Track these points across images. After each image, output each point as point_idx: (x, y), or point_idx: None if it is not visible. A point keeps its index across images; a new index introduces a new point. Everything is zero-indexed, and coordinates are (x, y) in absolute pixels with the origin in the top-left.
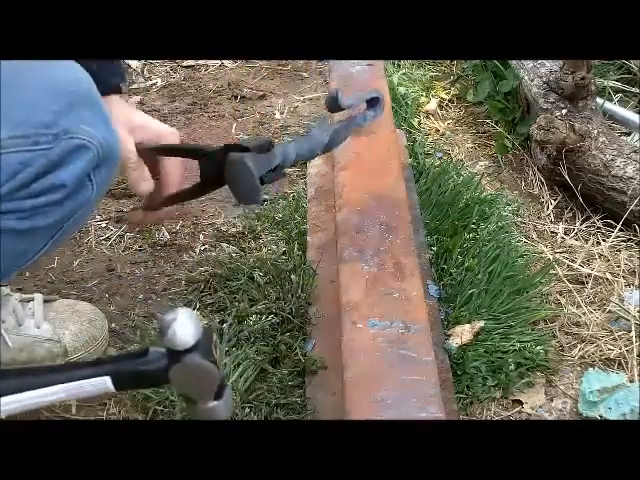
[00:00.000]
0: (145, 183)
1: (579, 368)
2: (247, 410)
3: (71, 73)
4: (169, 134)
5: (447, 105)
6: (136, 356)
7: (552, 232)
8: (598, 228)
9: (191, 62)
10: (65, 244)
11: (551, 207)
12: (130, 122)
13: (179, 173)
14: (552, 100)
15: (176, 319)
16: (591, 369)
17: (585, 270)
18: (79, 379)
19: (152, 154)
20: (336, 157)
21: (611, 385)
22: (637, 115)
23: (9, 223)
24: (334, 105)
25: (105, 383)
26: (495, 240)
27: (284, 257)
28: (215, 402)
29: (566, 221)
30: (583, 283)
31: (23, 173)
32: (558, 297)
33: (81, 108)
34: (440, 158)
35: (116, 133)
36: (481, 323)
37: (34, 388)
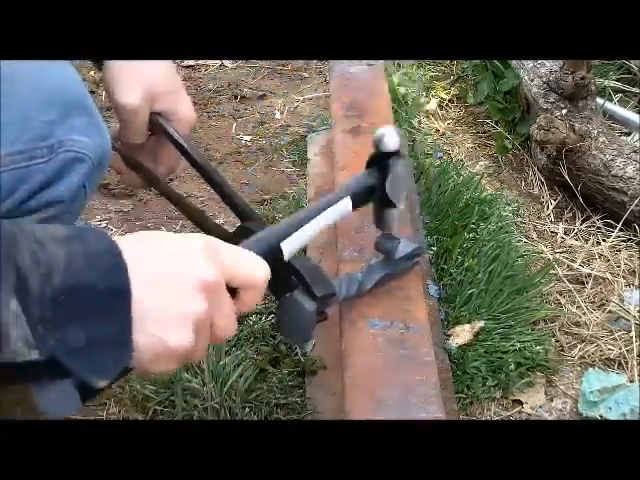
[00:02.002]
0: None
1: (579, 368)
2: (247, 410)
3: (61, 78)
4: (185, 117)
5: (447, 105)
6: (360, 178)
7: (552, 232)
8: (598, 228)
9: (191, 62)
10: None
11: (551, 207)
12: (152, 89)
13: (173, 165)
14: (552, 100)
15: (385, 130)
16: (591, 369)
17: (585, 270)
18: (333, 203)
19: (161, 131)
20: (336, 157)
21: (611, 385)
22: (637, 115)
23: None
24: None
25: (348, 205)
26: (495, 240)
27: None
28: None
29: (566, 221)
30: (583, 283)
31: (20, 191)
32: (558, 297)
33: (73, 115)
34: (440, 158)
35: (108, 136)
36: (481, 323)
37: (307, 221)
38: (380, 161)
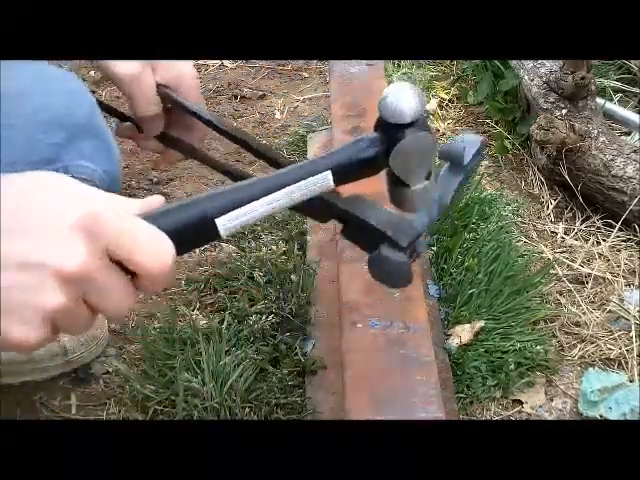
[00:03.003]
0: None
1: (579, 368)
2: (247, 410)
3: (68, 99)
4: (190, 83)
5: (447, 105)
6: (351, 145)
7: (552, 232)
8: (598, 228)
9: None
10: None
11: (551, 207)
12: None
13: (202, 130)
14: (552, 100)
15: (399, 92)
16: (591, 369)
17: (585, 270)
18: (300, 179)
19: (172, 102)
20: None
21: (611, 385)
22: (637, 115)
23: None
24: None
25: (327, 179)
26: (495, 240)
27: (284, 257)
28: (427, 181)
29: (566, 221)
30: (583, 283)
31: None
32: (558, 297)
33: (81, 139)
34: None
35: (117, 159)
36: (481, 323)
37: (255, 199)
38: (386, 131)
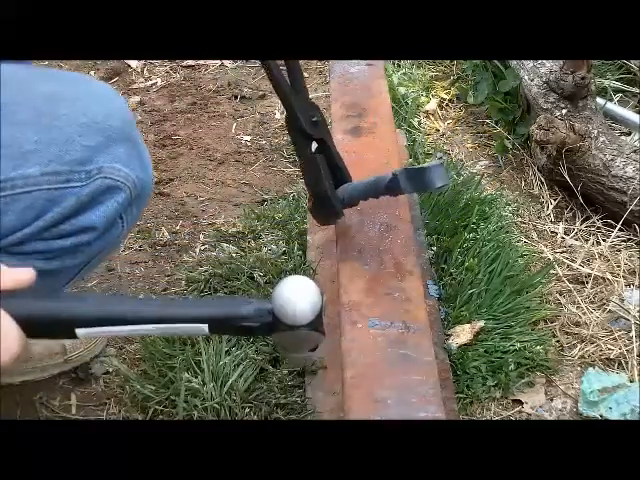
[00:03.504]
0: None
1: (579, 368)
2: (247, 410)
3: (108, 105)
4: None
5: (447, 105)
6: (238, 306)
7: (552, 232)
8: (598, 228)
9: (191, 62)
10: None
11: (551, 207)
12: None
13: None
14: (552, 100)
15: (298, 296)
16: (591, 369)
17: (585, 270)
18: (176, 322)
19: None
20: None
21: (611, 385)
22: (637, 115)
23: (36, 264)
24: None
25: (202, 330)
26: (495, 240)
27: (284, 257)
28: (310, 352)
29: (566, 221)
30: (583, 283)
31: (51, 213)
32: (558, 297)
33: (117, 144)
34: (440, 158)
35: (150, 170)
36: (481, 323)
37: (123, 323)
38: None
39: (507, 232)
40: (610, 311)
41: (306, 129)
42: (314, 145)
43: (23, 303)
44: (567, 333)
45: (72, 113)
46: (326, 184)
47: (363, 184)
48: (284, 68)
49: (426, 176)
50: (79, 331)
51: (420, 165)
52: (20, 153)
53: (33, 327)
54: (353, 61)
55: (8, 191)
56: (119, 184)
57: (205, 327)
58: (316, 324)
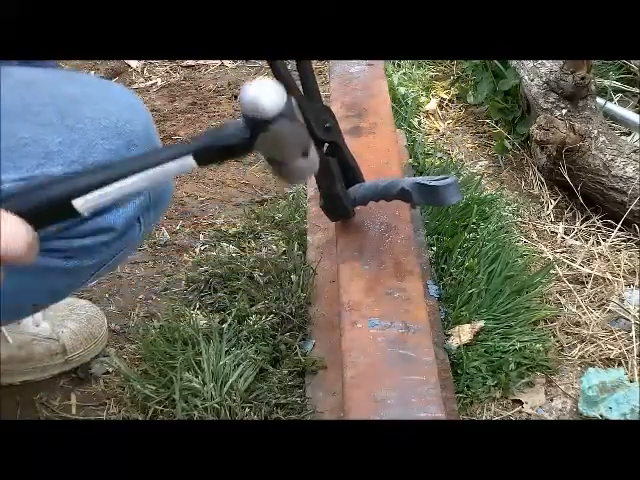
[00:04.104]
0: None
1: (579, 368)
2: (247, 410)
3: (130, 109)
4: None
5: (447, 105)
6: (217, 132)
7: (552, 232)
8: (598, 228)
9: (191, 62)
10: None
11: (551, 207)
12: None
13: None
14: (552, 100)
15: (259, 89)
16: (591, 369)
17: (585, 270)
18: (162, 163)
19: None
20: None
21: (610, 379)
22: (637, 115)
23: (56, 262)
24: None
25: (189, 164)
26: (495, 240)
27: (284, 257)
28: (302, 160)
29: (566, 221)
30: (583, 283)
31: None
32: (558, 297)
33: (137, 148)
34: (440, 158)
35: None
36: (481, 323)
37: (117, 180)
38: (249, 122)
39: (507, 232)
40: (610, 311)
41: (318, 134)
42: (325, 146)
43: (17, 199)
44: (567, 333)
45: (95, 116)
46: (338, 187)
47: (375, 187)
48: (295, 72)
49: (440, 194)
50: (76, 202)
51: (434, 181)
52: (44, 153)
53: (33, 216)
54: (353, 61)
55: None
56: None
57: (191, 158)
58: (290, 114)
